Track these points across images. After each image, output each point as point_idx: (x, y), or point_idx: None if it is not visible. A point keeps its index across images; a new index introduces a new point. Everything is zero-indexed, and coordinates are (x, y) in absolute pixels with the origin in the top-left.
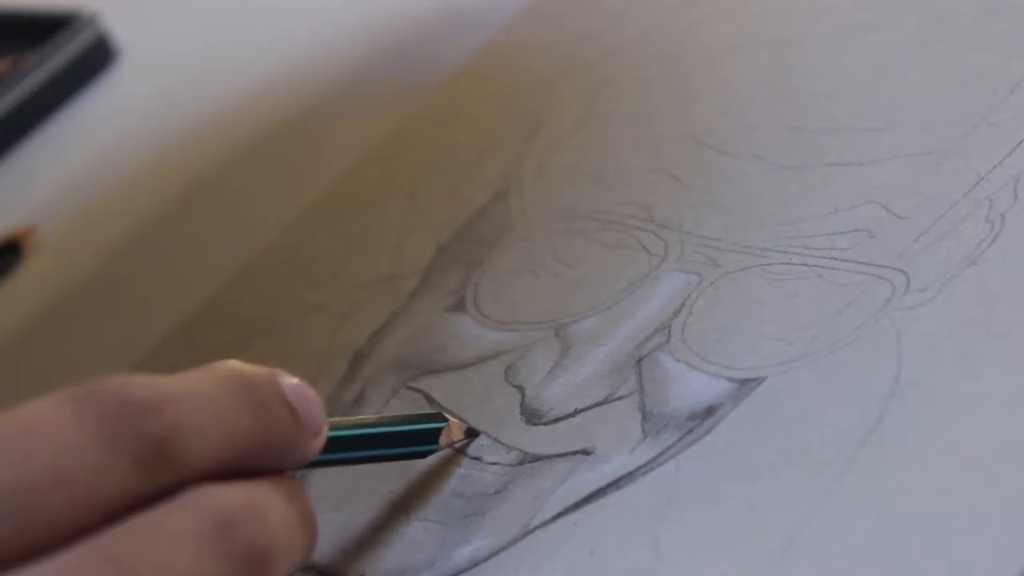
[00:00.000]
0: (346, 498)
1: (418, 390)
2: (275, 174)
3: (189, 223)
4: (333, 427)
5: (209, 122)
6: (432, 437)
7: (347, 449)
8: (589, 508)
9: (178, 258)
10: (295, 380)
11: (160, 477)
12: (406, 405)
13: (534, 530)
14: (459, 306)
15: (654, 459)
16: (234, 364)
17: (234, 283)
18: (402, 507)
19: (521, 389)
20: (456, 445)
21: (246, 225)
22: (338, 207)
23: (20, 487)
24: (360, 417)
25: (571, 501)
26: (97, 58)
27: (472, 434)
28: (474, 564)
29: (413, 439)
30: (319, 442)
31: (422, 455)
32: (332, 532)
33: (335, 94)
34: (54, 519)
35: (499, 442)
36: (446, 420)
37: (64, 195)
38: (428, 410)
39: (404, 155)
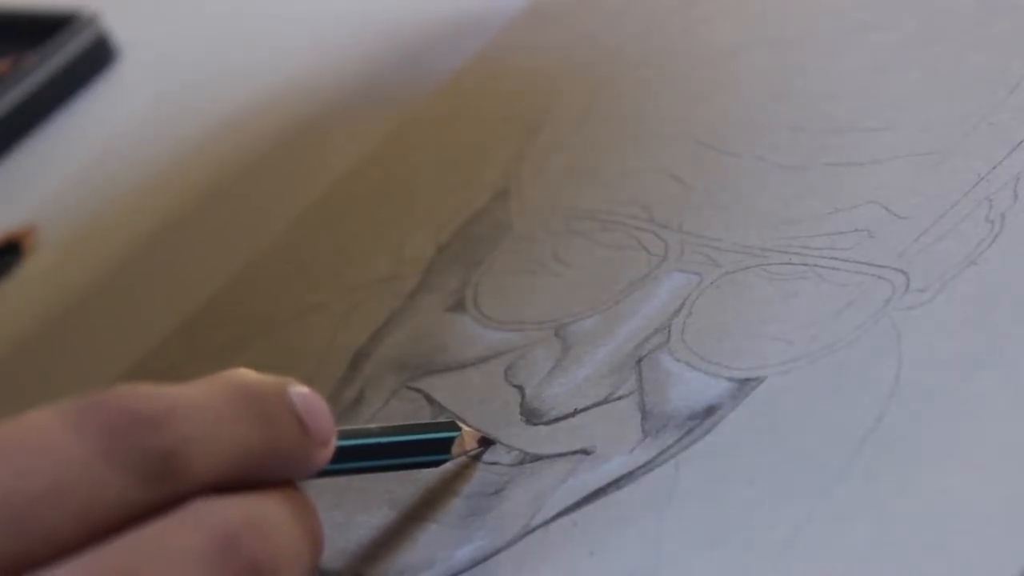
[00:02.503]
0: (344, 497)
1: (418, 390)
2: (276, 174)
3: (189, 223)
4: (342, 436)
5: (209, 122)
6: (444, 446)
7: (357, 459)
8: (589, 508)
9: (178, 258)
10: (304, 390)
11: (163, 490)
12: (406, 405)
13: (534, 530)
14: (459, 306)
15: (654, 459)
16: (242, 374)
17: (234, 283)
18: (401, 507)
19: (521, 389)
20: (469, 454)
21: (246, 225)
22: (338, 207)
23: (19, 499)
24: (370, 426)
25: (571, 501)
26: (97, 58)
27: (486, 443)
28: (474, 564)
29: (425, 449)
30: (327, 453)
31: (433, 465)
32: (330, 531)
33: (336, 95)
34: (54, 532)
35: (499, 442)
36: (459, 429)
37: (64, 195)
38: (428, 410)
39: (404, 156)
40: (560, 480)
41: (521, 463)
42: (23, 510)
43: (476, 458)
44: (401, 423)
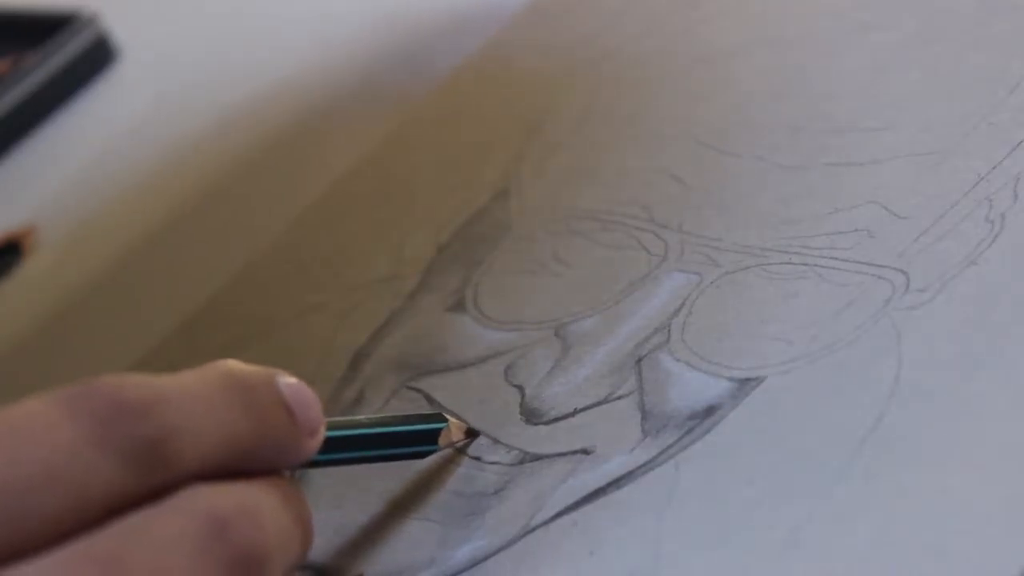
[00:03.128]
0: (344, 496)
1: (418, 390)
2: (276, 174)
3: (189, 223)
4: (331, 427)
5: (209, 122)
6: (431, 438)
7: (345, 449)
8: (589, 508)
9: (178, 258)
10: (292, 380)
11: (153, 477)
12: (406, 405)
13: (534, 530)
14: (459, 306)
15: (654, 459)
16: (231, 364)
17: (234, 283)
18: (401, 506)
19: (521, 389)
20: (456, 445)
21: (246, 225)
22: (338, 207)
23: (10, 486)
24: (359, 417)
25: (571, 501)
26: (97, 58)
27: (472, 434)
28: (474, 563)
29: (412, 440)
30: (316, 443)
31: (421, 455)
32: (330, 531)
33: (336, 95)
34: (44, 519)
35: (499, 442)
36: (445, 420)
37: (64, 195)
38: (428, 410)
39: (404, 155)
40: (560, 480)
41: (521, 463)
42: (12, 496)
43: (462, 450)
44: (390, 414)
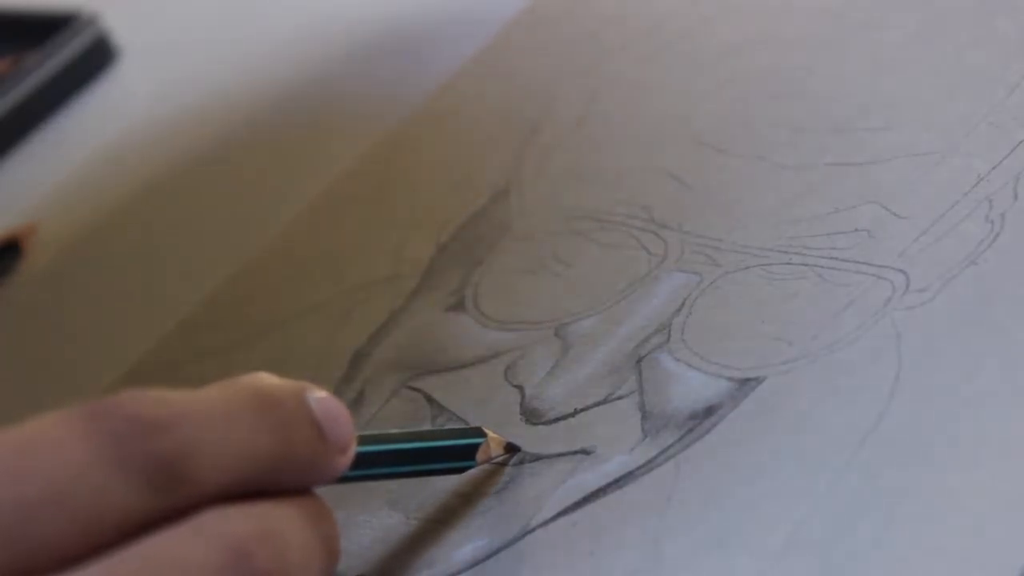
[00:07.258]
0: (344, 497)
1: (418, 390)
2: (275, 174)
3: (189, 222)
4: (363, 442)
5: (209, 122)
6: (468, 453)
7: (377, 465)
8: (589, 508)
9: (178, 258)
10: (323, 395)
11: (171, 498)
12: (406, 405)
13: (534, 530)
14: (459, 306)
15: (654, 459)
16: (259, 379)
17: (234, 283)
18: (402, 507)
19: (521, 389)
20: (494, 461)
21: (246, 225)
22: (338, 207)
23: (19, 506)
24: (391, 432)
25: (571, 501)
26: (97, 58)
27: (512, 449)
28: (474, 564)
29: (448, 455)
30: (346, 460)
31: (457, 471)
32: None
33: (336, 94)
34: (55, 541)
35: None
36: (484, 435)
37: (64, 195)
38: (428, 410)
39: (404, 155)
40: (560, 480)
41: (521, 463)
42: (22, 517)
43: (502, 465)
44: (425, 428)
